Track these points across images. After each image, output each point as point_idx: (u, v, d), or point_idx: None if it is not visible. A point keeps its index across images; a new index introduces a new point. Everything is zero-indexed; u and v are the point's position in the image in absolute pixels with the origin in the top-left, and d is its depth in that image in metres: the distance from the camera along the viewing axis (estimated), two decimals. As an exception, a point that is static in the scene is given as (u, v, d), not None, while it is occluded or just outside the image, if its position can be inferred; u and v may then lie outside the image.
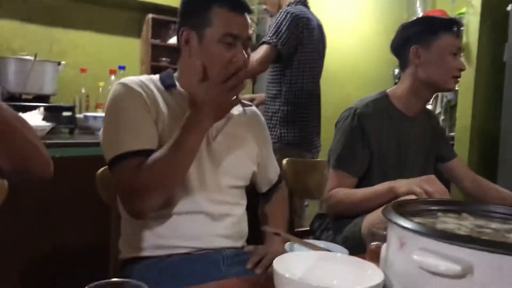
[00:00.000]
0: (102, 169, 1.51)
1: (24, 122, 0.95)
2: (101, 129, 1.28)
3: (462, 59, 3.14)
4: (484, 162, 3.21)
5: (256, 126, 1.47)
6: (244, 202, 1.41)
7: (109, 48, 3.39)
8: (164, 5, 3.38)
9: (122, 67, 3.14)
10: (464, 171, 1.83)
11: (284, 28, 2.24)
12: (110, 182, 1.50)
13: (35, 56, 2.49)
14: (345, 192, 1.56)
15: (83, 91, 2.98)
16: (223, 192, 1.31)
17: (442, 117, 4.12)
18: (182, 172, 1.18)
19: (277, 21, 2.26)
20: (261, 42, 2.28)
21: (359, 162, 1.60)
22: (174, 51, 3.57)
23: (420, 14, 4.30)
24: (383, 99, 1.68)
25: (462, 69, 1.60)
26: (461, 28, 1.91)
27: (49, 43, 3.15)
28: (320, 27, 2.47)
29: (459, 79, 1.62)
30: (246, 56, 1.24)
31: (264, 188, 1.52)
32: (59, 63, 2.69)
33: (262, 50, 2.23)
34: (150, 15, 3.41)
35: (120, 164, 1.18)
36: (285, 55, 2.26)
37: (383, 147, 1.62)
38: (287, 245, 1.02)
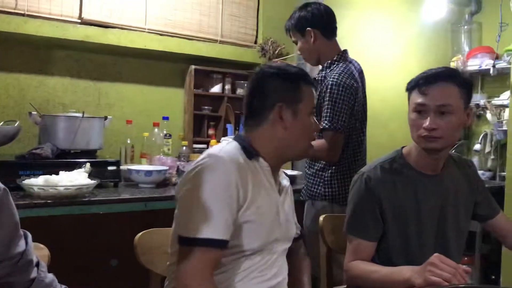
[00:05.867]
0: (140, 233, 1.55)
1: None
2: (181, 194, 1.29)
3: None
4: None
5: None
6: None
7: (154, 99, 3.50)
8: (206, 56, 3.47)
9: (165, 118, 3.22)
10: (508, 227, 1.72)
11: (342, 109, 2.10)
12: (150, 247, 1.53)
13: (83, 113, 2.59)
14: (363, 269, 1.52)
15: (129, 141, 3.07)
16: None
17: (492, 156, 3.97)
18: None
19: (332, 99, 2.09)
20: (322, 127, 2.09)
21: (372, 227, 1.56)
22: (215, 99, 3.66)
23: (466, 51, 4.19)
24: (398, 158, 1.61)
25: (428, 128, 1.46)
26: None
27: (97, 97, 3.28)
28: (361, 74, 2.32)
29: (432, 139, 1.48)
30: None
31: None
32: (105, 118, 2.79)
33: (328, 138, 2.10)
34: (193, 66, 3.50)
35: (192, 249, 1.19)
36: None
37: (399, 209, 1.56)
38: None
